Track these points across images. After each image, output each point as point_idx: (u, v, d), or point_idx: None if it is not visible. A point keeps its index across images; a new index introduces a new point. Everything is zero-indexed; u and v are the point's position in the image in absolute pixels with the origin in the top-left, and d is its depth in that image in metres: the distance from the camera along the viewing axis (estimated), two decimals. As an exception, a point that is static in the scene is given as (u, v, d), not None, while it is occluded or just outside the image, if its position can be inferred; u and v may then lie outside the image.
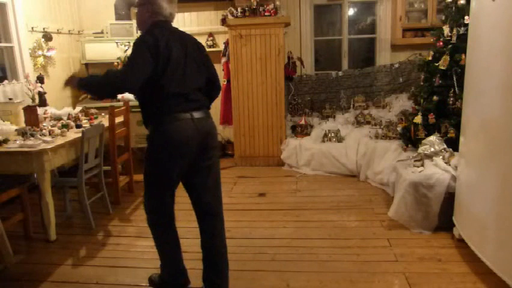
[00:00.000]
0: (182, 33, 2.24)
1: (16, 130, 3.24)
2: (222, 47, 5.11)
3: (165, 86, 2.04)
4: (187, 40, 2.21)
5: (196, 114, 2.11)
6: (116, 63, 4.69)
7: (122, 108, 3.88)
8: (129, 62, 2.01)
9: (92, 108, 4.21)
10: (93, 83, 2.10)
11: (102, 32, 4.91)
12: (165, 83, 2.04)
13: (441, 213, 2.95)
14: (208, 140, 2.17)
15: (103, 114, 4.01)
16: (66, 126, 3.38)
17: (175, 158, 2.08)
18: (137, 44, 2.02)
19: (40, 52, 4.42)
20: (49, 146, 2.92)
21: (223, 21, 4.74)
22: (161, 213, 2.24)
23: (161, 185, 2.17)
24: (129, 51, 4.64)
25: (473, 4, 2.60)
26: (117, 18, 5.01)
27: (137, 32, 4.85)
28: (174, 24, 2.30)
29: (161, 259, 2.35)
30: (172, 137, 2.05)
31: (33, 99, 3.61)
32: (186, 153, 2.09)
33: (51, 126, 3.45)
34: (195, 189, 2.24)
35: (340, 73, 5.30)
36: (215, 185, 2.27)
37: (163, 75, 2.03)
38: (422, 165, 3.16)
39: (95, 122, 3.65)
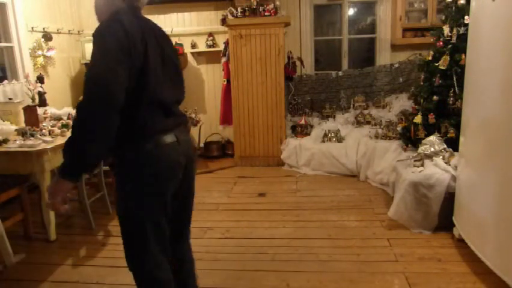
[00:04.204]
0: (155, 24, 1.66)
1: (16, 130, 3.24)
2: (222, 47, 5.10)
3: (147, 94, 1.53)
4: (162, 35, 1.66)
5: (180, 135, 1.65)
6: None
7: (122, 108, 3.87)
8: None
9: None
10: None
11: (102, 32, 4.91)
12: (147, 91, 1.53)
13: (441, 213, 2.95)
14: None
15: (103, 114, 4.01)
16: (66, 126, 3.38)
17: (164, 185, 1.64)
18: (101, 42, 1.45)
19: (40, 52, 4.41)
20: (49, 146, 2.92)
21: (223, 21, 4.74)
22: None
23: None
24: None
25: (473, 4, 2.59)
26: (117, 18, 5.00)
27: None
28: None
29: None
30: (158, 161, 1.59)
31: (33, 99, 3.61)
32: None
33: (51, 126, 3.45)
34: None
35: (340, 73, 5.29)
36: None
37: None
38: (422, 165, 3.16)
39: (95, 122, 3.64)
